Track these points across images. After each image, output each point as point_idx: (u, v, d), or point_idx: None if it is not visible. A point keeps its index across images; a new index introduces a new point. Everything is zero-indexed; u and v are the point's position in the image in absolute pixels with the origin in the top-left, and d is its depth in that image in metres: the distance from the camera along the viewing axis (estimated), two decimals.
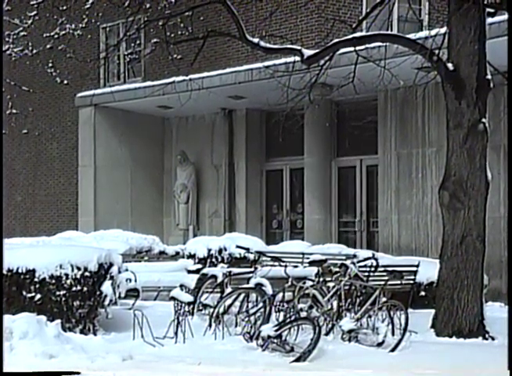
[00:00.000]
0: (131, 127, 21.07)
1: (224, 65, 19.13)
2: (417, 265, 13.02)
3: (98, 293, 10.09)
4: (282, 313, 10.42)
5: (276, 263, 12.32)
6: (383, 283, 11.00)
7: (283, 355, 9.03)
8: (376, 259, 11.66)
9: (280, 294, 10.58)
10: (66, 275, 9.88)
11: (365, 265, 11.78)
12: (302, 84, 12.41)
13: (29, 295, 9.77)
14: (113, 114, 20.71)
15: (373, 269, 11.75)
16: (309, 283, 10.88)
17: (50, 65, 23.12)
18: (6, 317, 8.79)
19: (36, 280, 9.79)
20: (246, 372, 8.30)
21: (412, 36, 12.69)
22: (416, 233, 17.36)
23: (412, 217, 17.42)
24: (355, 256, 12.49)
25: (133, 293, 11.65)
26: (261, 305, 10.23)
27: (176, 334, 9.73)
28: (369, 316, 10.31)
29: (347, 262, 11.21)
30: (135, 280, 11.66)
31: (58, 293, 9.84)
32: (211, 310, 10.52)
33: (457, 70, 10.84)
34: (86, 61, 20.47)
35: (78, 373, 7.81)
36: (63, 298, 9.88)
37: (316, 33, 18.27)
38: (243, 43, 12.81)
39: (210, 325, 10.14)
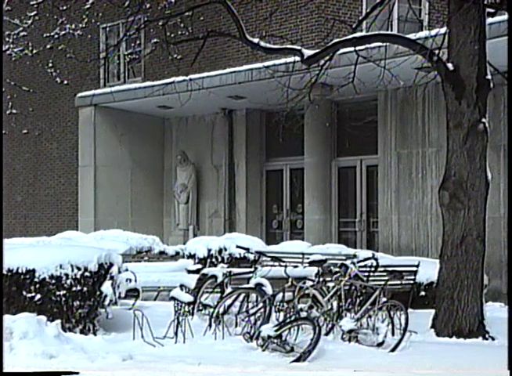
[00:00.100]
0: (131, 127, 21.08)
1: (224, 65, 19.13)
2: (417, 266, 13.03)
3: (98, 293, 10.08)
4: (282, 313, 10.42)
5: (276, 263, 12.33)
6: (383, 283, 11.01)
7: (283, 355, 9.02)
8: (376, 259, 11.67)
9: (280, 294, 10.57)
10: (66, 275, 9.88)
11: (365, 266, 11.79)
12: (302, 84, 12.42)
13: (29, 295, 9.76)
14: (113, 114, 20.72)
15: (373, 269, 11.76)
16: (309, 283, 10.88)
17: (50, 65, 23.13)
18: (6, 317, 8.79)
19: (36, 280, 9.78)
20: (246, 372, 8.30)
21: (412, 36, 12.68)
22: (416, 233, 17.37)
23: (412, 217, 17.43)
24: (355, 256, 12.51)
25: (133, 293, 11.65)
26: (261, 305, 10.23)
27: (176, 334, 9.72)
28: (369, 316, 10.31)
29: (348, 262, 11.21)
30: (135, 280, 11.65)
31: (58, 293, 9.84)
32: (211, 310, 10.52)
33: (457, 70, 10.84)
34: (86, 61, 20.48)
35: (78, 373, 7.81)
36: (63, 298, 9.87)
37: (316, 33, 18.28)
38: (243, 43, 12.80)
39: (210, 325, 10.14)
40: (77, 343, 9.00)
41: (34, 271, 9.80)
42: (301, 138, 18.74)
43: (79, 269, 9.95)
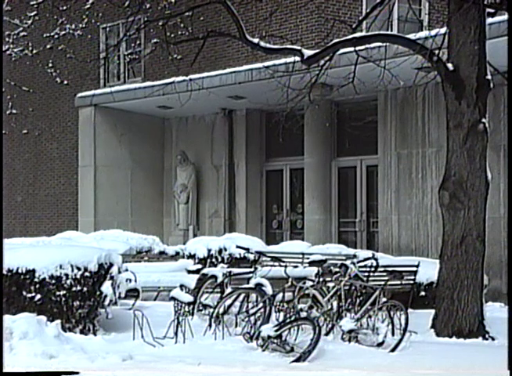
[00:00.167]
0: (131, 127, 21.08)
1: (224, 65, 19.13)
2: (417, 266, 13.03)
3: (98, 293, 10.08)
4: (282, 313, 10.42)
5: (276, 263, 12.33)
6: (383, 283, 11.01)
7: (283, 355, 9.02)
8: (376, 259, 11.67)
9: (280, 295, 10.58)
10: (66, 275, 9.87)
11: (365, 266, 11.79)
12: (302, 84, 12.42)
13: (29, 295, 9.76)
14: (113, 114, 20.72)
15: (373, 269, 11.76)
16: (309, 283, 10.88)
17: (50, 65, 23.13)
18: (6, 317, 8.79)
19: (36, 280, 9.78)
20: (246, 372, 8.30)
21: (412, 36, 12.68)
22: (416, 233, 17.37)
23: (412, 217, 17.43)
24: (355, 256, 12.51)
25: (133, 293, 11.65)
26: (261, 305, 10.23)
27: (176, 334, 9.72)
28: (369, 317, 10.31)
29: (347, 263, 11.21)
30: (135, 280, 11.65)
31: (58, 293, 9.84)
32: (211, 310, 10.52)
33: (457, 70, 10.84)
34: (86, 61, 20.49)
35: (78, 373, 7.81)
36: (63, 298, 9.87)
37: (316, 33, 18.28)
38: (243, 43, 12.81)
39: (210, 325, 10.13)
40: (77, 343, 9.00)
41: (34, 271, 9.79)
42: (300, 138, 18.74)
43: (79, 269, 9.95)
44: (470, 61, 10.81)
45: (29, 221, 23.91)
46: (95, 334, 10.08)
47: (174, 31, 18.25)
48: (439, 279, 11.09)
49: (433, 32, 12.39)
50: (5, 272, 9.63)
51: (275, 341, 9.14)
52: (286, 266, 11.25)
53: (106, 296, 10.10)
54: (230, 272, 11.65)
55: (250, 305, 10.72)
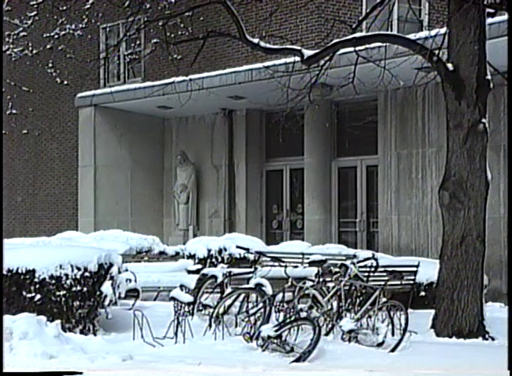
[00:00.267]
0: (131, 127, 21.09)
1: (224, 65, 19.13)
2: (417, 266, 13.03)
3: (98, 293, 10.08)
4: (282, 314, 10.42)
5: (276, 263, 12.32)
6: (383, 283, 11.01)
7: (283, 355, 9.02)
8: (376, 259, 11.67)
9: (280, 295, 10.57)
10: (66, 275, 9.87)
11: (365, 266, 11.79)
12: (302, 84, 12.42)
13: (29, 295, 9.76)
14: (113, 115, 20.72)
15: (372, 269, 11.76)
16: (309, 283, 10.88)
17: (50, 65, 23.13)
18: (6, 317, 8.79)
19: (36, 280, 9.78)
20: (246, 372, 8.30)
21: (412, 36, 12.69)
22: (415, 233, 17.37)
23: (412, 217, 17.43)
24: (354, 256, 12.51)
25: (133, 293, 11.65)
26: (261, 305, 10.23)
27: (176, 334, 9.72)
28: (369, 317, 10.31)
29: (347, 263, 11.21)
30: (135, 281, 11.66)
31: (58, 293, 9.84)
32: (211, 310, 10.52)
33: (457, 70, 10.84)
34: (86, 61, 20.49)
35: (78, 373, 7.81)
36: (63, 299, 9.87)
37: (316, 33, 18.28)
38: (243, 43, 12.81)
39: (210, 325, 10.13)
40: (77, 343, 9.00)
41: (33, 271, 9.79)
42: (300, 138, 18.74)
43: (79, 269, 9.95)
44: (470, 61, 10.81)
45: (29, 221, 23.92)
46: (95, 334, 10.08)
47: (174, 31, 18.25)
48: (439, 279, 11.09)
49: (433, 32, 12.39)
50: (5, 272, 9.64)
51: (275, 341, 9.14)
52: (286, 266, 11.25)
53: (106, 296, 10.10)
54: (230, 272, 11.65)
55: (250, 305, 10.72)
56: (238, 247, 13.57)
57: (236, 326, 10.35)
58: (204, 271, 12.01)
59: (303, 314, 10.13)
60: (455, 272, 10.84)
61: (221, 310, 10.44)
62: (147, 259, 15.23)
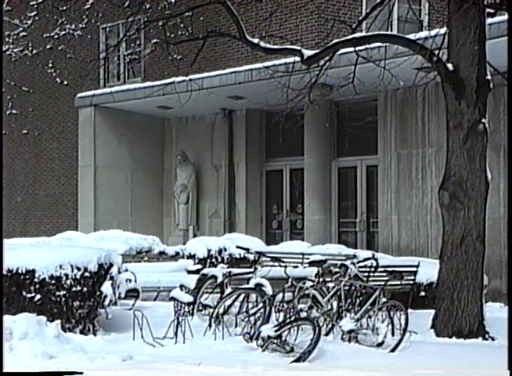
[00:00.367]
0: (131, 127, 21.09)
1: (224, 65, 19.13)
2: (417, 266, 13.03)
3: (98, 293, 10.08)
4: (282, 314, 10.42)
5: (276, 263, 12.32)
6: (383, 283, 11.01)
7: (283, 355, 9.02)
8: (376, 260, 11.67)
9: (280, 295, 10.57)
10: (66, 275, 9.87)
11: (365, 266, 11.79)
12: (302, 84, 12.42)
13: (29, 296, 9.76)
14: (113, 115, 20.72)
15: (372, 269, 11.76)
16: (309, 283, 10.88)
17: (50, 65, 23.13)
18: (6, 317, 8.79)
19: (36, 280, 9.78)
20: (246, 372, 8.30)
21: (412, 36, 12.69)
22: (415, 233, 17.37)
23: (412, 217, 17.43)
24: (354, 256, 12.49)
25: (133, 293, 11.65)
26: (260, 305, 10.23)
27: (176, 334, 9.72)
28: (369, 317, 10.31)
29: (347, 263, 11.21)
30: (135, 281, 11.65)
31: (58, 293, 9.84)
32: (211, 310, 10.52)
33: (457, 70, 10.84)
34: (86, 61, 20.49)
35: (78, 373, 7.80)
36: (63, 299, 9.87)
37: (316, 33, 18.28)
38: (243, 43, 12.81)
39: (210, 325, 10.13)
40: (76, 343, 9.00)
41: (33, 271, 9.79)
42: (300, 138, 18.74)
43: (79, 269, 9.95)
44: (470, 61, 10.81)
45: (29, 221, 23.92)
46: (95, 334, 10.08)
47: (174, 31, 18.24)
48: (439, 279, 11.09)
49: (433, 32, 12.39)
50: (5, 272, 9.63)
51: (275, 341, 9.14)
52: (286, 266, 11.25)
53: (105, 296, 10.10)
54: (230, 272, 11.65)
55: (250, 305, 10.72)
56: (238, 247, 13.57)
57: (236, 326, 10.35)
58: (204, 271, 12.01)
59: (303, 314, 10.13)
60: (455, 272, 10.84)
61: (221, 310, 10.44)
62: (147, 259, 15.23)
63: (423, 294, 13.45)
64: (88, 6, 22.09)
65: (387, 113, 17.79)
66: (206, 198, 21.03)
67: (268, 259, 12.92)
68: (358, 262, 11.40)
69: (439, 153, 16.60)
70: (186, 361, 8.66)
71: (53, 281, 9.81)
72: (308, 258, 13.67)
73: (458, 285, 10.81)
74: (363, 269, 11.65)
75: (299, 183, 19.52)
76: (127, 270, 11.17)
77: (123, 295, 10.65)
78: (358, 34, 11.85)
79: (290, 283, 10.73)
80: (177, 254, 15.71)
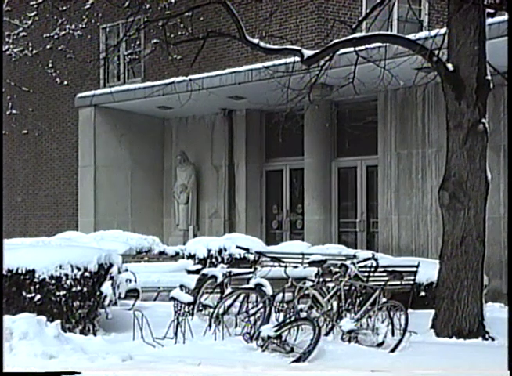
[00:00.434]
0: (131, 127, 21.09)
1: (224, 65, 19.13)
2: (417, 266, 13.03)
3: (98, 293, 10.08)
4: (282, 314, 10.42)
5: (276, 264, 12.32)
6: (383, 283, 11.01)
7: (283, 355, 9.02)
8: (376, 260, 11.67)
9: (280, 295, 10.57)
10: (66, 275, 9.87)
11: (365, 266, 11.79)
12: (302, 84, 12.42)
13: (29, 296, 9.76)
14: (113, 115, 20.72)
15: (372, 269, 11.75)
16: (309, 283, 10.87)
17: (50, 65, 23.13)
18: (6, 317, 8.78)
19: (36, 280, 9.78)
20: (246, 372, 8.30)
21: (412, 36, 12.69)
22: (415, 233, 17.37)
23: (412, 217, 17.43)
24: (354, 256, 12.49)
25: (133, 293, 11.64)
26: (260, 305, 10.23)
27: (176, 334, 9.72)
28: (369, 317, 10.31)
29: (347, 263, 11.20)
30: (135, 281, 11.65)
31: (58, 293, 9.83)
32: (211, 311, 10.51)
33: (457, 70, 10.84)
34: (86, 61, 20.49)
35: (78, 373, 7.81)
36: (63, 299, 9.87)
37: (316, 33, 18.28)
38: (242, 43, 12.81)
39: (210, 325, 10.13)
40: (76, 343, 9.00)
41: (33, 271, 9.79)
42: (300, 138, 18.74)
43: (79, 269, 9.95)
44: (470, 61, 10.82)
45: (29, 221, 23.92)
46: (95, 334, 10.08)
47: (174, 31, 18.24)
48: (439, 279, 11.09)
49: (433, 32, 12.39)
50: (5, 272, 9.63)
51: (275, 341, 9.14)
52: (286, 266, 11.24)
53: (105, 296, 10.10)
54: (230, 272, 11.64)
55: (250, 305, 10.72)
56: (238, 247, 13.56)
57: (236, 326, 10.35)
58: (204, 271, 12.00)
59: (303, 314, 10.13)
60: (455, 272, 10.84)
61: (221, 310, 10.43)
62: (147, 259, 15.22)
63: (423, 294, 13.44)
64: (88, 6, 22.09)
65: (387, 113, 17.79)
66: (206, 198, 21.03)
67: (268, 259, 12.92)
68: (358, 262, 11.40)
69: (439, 153, 16.60)
70: (186, 361, 8.66)
71: (53, 281, 9.81)
72: (308, 258, 13.67)
73: (458, 285, 10.81)
74: (363, 269, 11.65)
75: (299, 183, 19.52)
76: (127, 270, 11.17)
77: (123, 295, 10.65)
78: (358, 34, 11.85)
79: (290, 284, 10.73)
80: (177, 254, 15.70)
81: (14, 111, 24.04)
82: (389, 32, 13.16)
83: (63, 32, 22.58)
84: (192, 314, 10.77)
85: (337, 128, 18.90)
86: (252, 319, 10.15)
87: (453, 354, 9.42)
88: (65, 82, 22.81)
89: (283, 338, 9.17)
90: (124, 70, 22.21)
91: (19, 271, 9.78)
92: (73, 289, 9.90)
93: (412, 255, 16.60)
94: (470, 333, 10.75)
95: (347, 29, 13.63)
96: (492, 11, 11.52)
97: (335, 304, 10.71)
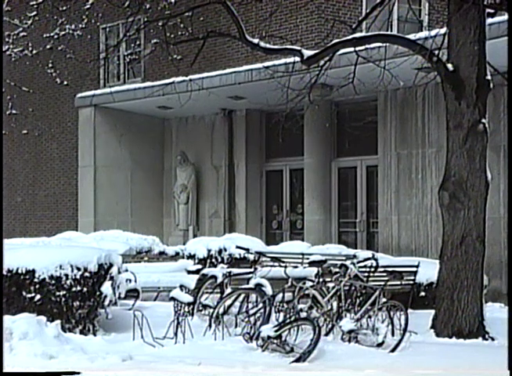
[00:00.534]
0: (131, 127, 21.08)
1: (224, 65, 19.13)
2: (417, 266, 13.03)
3: (98, 293, 10.08)
4: (282, 314, 10.42)
5: (276, 264, 12.32)
6: (383, 283, 11.01)
7: (283, 355, 9.02)
8: (376, 260, 11.66)
9: (280, 295, 10.57)
10: (66, 275, 9.87)
11: (365, 266, 11.78)
12: (302, 84, 12.42)
13: (29, 296, 9.76)
14: (112, 115, 20.72)
15: (372, 269, 11.75)
16: (309, 283, 10.87)
17: (50, 65, 23.13)
18: (6, 318, 8.78)
19: (36, 280, 9.78)
20: (246, 372, 8.30)
21: (412, 36, 12.69)
22: (415, 233, 17.37)
23: (412, 217, 17.43)
24: (354, 257, 12.49)
25: (133, 293, 11.65)
26: (260, 305, 10.22)
27: (176, 334, 9.72)
28: (369, 317, 10.30)
29: (347, 263, 11.20)
30: (135, 281, 11.65)
31: (58, 293, 9.84)
32: (211, 311, 10.52)
33: (457, 70, 10.84)
34: (86, 61, 20.49)
35: (78, 373, 7.81)
36: (63, 299, 9.87)
37: (316, 33, 18.28)
38: (242, 43, 12.81)
39: (210, 325, 10.13)
40: (76, 343, 9.00)
41: (33, 271, 9.79)
42: (300, 138, 18.74)
43: (79, 269, 9.95)
44: (470, 61, 10.81)
45: (29, 221, 23.91)
46: (95, 334, 10.08)
47: (174, 31, 18.24)
48: (439, 279, 11.09)
49: (433, 32, 12.40)
50: (5, 272, 9.64)
51: (275, 341, 9.14)
52: (286, 267, 11.25)
53: (105, 296, 10.10)
54: (230, 272, 11.64)
55: (250, 305, 10.72)
56: (238, 247, 13.56)
57: (236, 326, 10.35)
58: (204, 271, 12.01)
59: (303, 314, 10.13)
60: (455, 272, 10.84)
61: (221, 310, 10.44)
62: (147, 259, 15.22)
63: (423, 294, 13.44)
64: (88, 6, 22.09)
65: (387, 113, 17.79)
66: (206, 198, 21.03)
67: (268, 259, 12.92)
68: (358, 262, 11.39)
69: (439, 153, 16.60)
70: (186, 361, 8.66)
71: (53, 281, 9.81)
72: (308, 259, 13.66)
73: (458, 285, 10.81)
74: (363, 269, 11.65)
75: (299, 183, 19.52)
76: (127, 270, 11.17)
77: (123, 295, 10.65)
78: (358, 34, 11.85)
79: (290, 284, 10.73)
80: (177, 254, 15.70)
81: (14, 111, 24.04)
82: (389, 32, 13.15)
83: (63, 32, 22.58)
84: (192, 314, 10.77)
85: (336, 128, 18.90)
86: (252, 319, 10.15)
87: (453, 354, 9.42)
88: (65, 82, 22.81)
89: (283, 338, 9.18)
90: (124, 70, 22.21)
91: (19, 271, 9.78)
92: (73, 289, 9.90)
93: (412, 255, 16.60)
94: (470, 333, 10.75)
95: (347, 29, 13.63)
96: (492, 11, 11.53)
97: (335, 304, 10.70)
